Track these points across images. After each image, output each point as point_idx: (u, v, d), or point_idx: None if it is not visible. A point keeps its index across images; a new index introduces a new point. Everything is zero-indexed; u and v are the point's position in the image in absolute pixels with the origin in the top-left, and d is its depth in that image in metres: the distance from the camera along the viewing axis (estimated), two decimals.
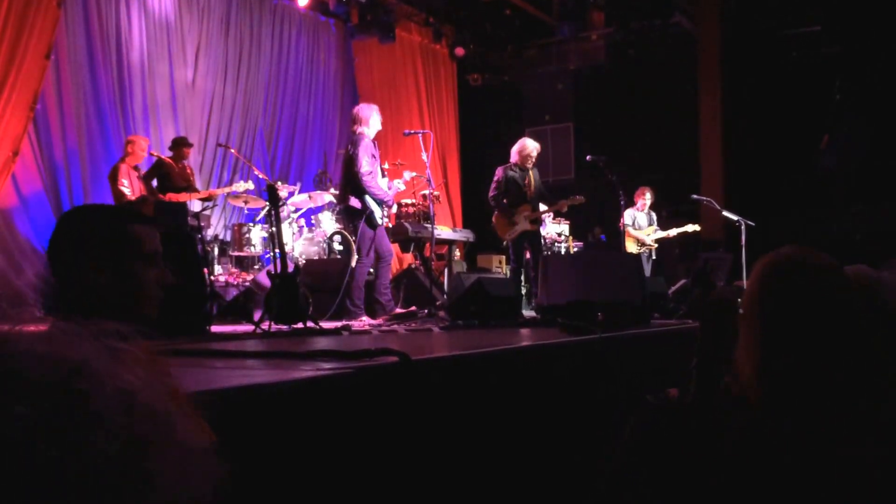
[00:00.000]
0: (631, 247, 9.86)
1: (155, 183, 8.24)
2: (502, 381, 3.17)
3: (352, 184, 6.91)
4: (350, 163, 6.92)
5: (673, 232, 10.22)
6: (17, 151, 7.86)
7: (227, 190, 9.05)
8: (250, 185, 8.93)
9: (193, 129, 10.04)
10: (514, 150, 8.46)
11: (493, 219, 8.38)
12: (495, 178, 8.38)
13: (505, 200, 8.31)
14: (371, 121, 7.01)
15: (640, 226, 10.33)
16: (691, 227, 10.20)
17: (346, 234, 9.27)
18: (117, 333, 0.61)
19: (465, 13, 12.84)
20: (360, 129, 6.97)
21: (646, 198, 10.38)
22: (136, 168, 8.06)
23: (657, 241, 10.26)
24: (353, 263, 7.08)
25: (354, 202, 6.88)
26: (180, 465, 0.56)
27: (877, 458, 1.41)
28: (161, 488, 0.54)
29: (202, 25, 10.45)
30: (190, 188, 8.40)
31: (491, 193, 8.39)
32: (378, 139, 7.23)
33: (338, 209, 9.45)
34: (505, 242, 8.42)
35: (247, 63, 11.00)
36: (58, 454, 0.51)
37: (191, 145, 8.75)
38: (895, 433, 1.43)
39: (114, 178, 7.90)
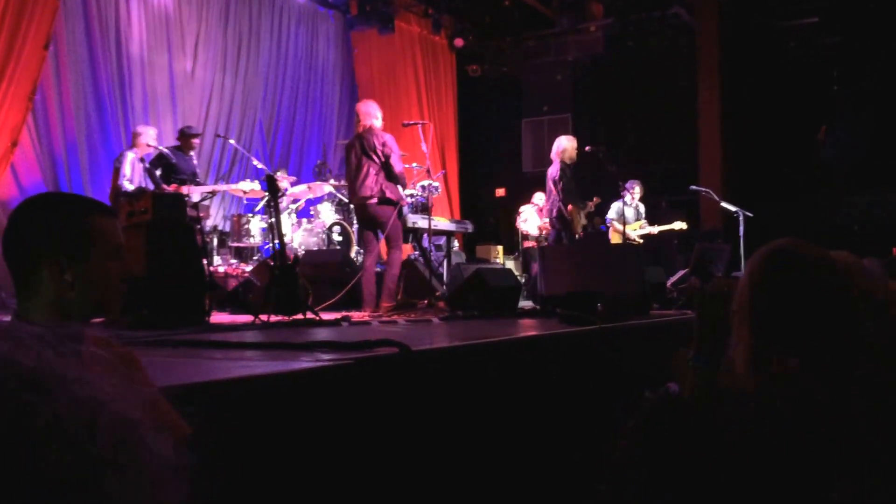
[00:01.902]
0: (616, 241, 9.75)
1: (159, 173, 8.23)
2: (502, 372, 3.18)
3: (383, 176, 6.85)
4: (374, 153, 6.83)
5: (656, 229, 10.08)
6: (16, 142, 7.86)
7: (231, 188, 9.04)
8: (256, 186, 8.94)
9: (192, 120, 10.01)
10: (557, 150, 8.56)
11: (568, 213, 8.51)
12: (567, 175, 8.47)
13: None
14: (379, 118, 7.00)
15: (627, 220, 10.16)
16: (678, 225, 10.06)
17: (345, 225, 9.28)
18: (91, 336, 0.54)
19: (465, 4, 12.80)
20: (375, 126, 6.93)
21: (634, 191, 10.16)
22: (142, 160, 8.03)
23: (641, 237, 10.11)
24: (376, 258, 7.20)
25: (391, 194, 6.84)
26: (145, 485, 0.51)
27: (875, 454, 1.41)
28: None
29: (201, 16, 10.43)
30: (192, 179, 8.38)
31: (565, 188, 8.47)
32: None
33: (339, 202, 9.46)
34: (577, 235, 8.65)
35: (246, 54, 10.98)
36: None
37: (197, 135, 8.71)
38: (893, 428, 1.44)
39: (117, 168, 7.88)
